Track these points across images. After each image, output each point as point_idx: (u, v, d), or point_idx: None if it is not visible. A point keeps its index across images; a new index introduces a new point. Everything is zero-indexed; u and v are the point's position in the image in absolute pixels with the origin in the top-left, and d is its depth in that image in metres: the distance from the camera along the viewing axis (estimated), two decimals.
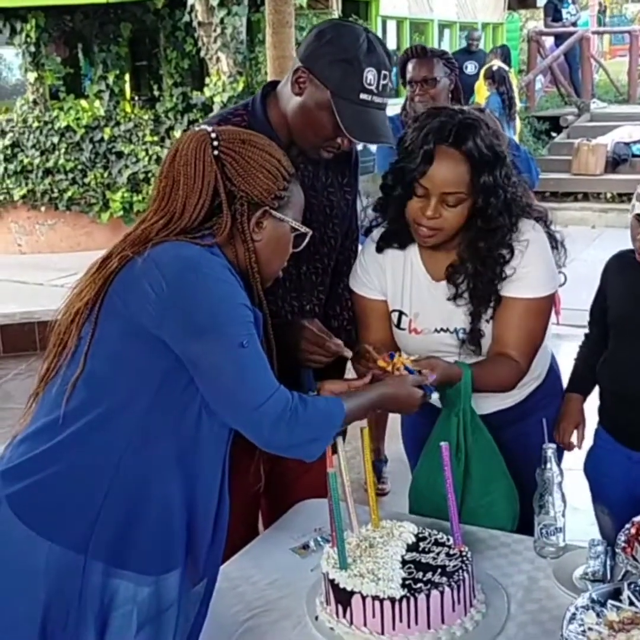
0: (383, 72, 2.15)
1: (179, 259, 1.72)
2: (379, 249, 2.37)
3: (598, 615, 1.71)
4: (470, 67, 11.30)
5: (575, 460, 2.62)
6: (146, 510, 1.72)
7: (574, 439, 2.58)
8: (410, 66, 3.80)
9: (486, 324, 2.27)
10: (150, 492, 1.73)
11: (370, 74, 2.12)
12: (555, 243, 2.35)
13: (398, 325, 2.37)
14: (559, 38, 14.13)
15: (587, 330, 2.68)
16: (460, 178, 2.16)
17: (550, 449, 2.14)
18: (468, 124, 2.18)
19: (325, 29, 2.20)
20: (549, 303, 2.31)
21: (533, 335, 2.30)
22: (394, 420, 3.15)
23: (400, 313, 2.36)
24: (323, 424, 1.82)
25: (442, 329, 2.32)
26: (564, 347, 4.73)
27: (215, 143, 1.79)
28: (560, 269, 2.37)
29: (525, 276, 2.24)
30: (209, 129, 1.83)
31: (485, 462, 2.28)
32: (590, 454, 2.57)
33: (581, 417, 2.58)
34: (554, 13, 14.24)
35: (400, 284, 2.35)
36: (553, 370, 2.51)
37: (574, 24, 14.40)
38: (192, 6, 9.37)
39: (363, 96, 2.13)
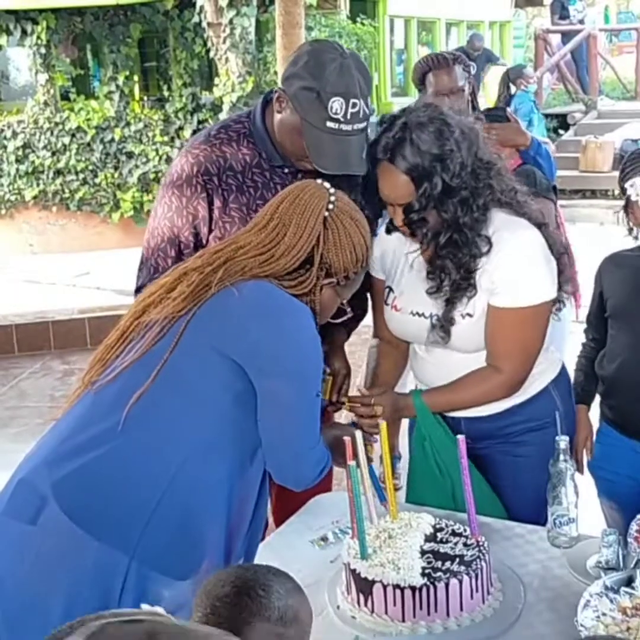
0: (352, 100, 2.17)
1: (278, 302, 1.85)
2: (388, 231, 2.39)
3: (611, 601, 1.76)
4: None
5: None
6: (193, 522, 1.80)
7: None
8: (432, 78, 3.63)
9: (461, 318, 2.26)
10: (198, 505, 1.80)
11: (335, 103, 2.16)
12: (552, 248, 2.28)
13: (386, 301, 2.41)
14: (566, 35, 14.14)
15: (584, 339, 2.69)
16: (405, 191, 2.18)
17: (563, 442, 2.18)
18: (399, 138, 2.15)
19: (302, 53, 2.25)
20: (543, 311, 2.26)
21: (525, 344, 2.27)
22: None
23: (390, 289, 2.40)
24: (326, 466, 2.00)
25: (417, 313, 2.33)
26: (577, 343, 4.76)
27: (331, 206, 1.92)
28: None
29: (510, 285, 2.21)
30: (331, 190, 1.95)
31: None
32: (594, 450, 2.59)
33: (589, 429, 2.60)
34: (561, 11, 14.25)
35: (397, 262, 2.39)
36: (563, 367, 2.50)
37: (581, 22, 14.40)
38: (201, 7, 9.40)
39: (330, 124, 2.17)
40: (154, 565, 1.76)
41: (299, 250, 1.89)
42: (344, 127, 2.18)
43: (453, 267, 2.23)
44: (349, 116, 2.17)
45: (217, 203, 2.34)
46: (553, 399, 2.40)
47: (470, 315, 2.26)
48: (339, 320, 2.06)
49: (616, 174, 9.75)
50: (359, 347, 3.93)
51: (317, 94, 2.17)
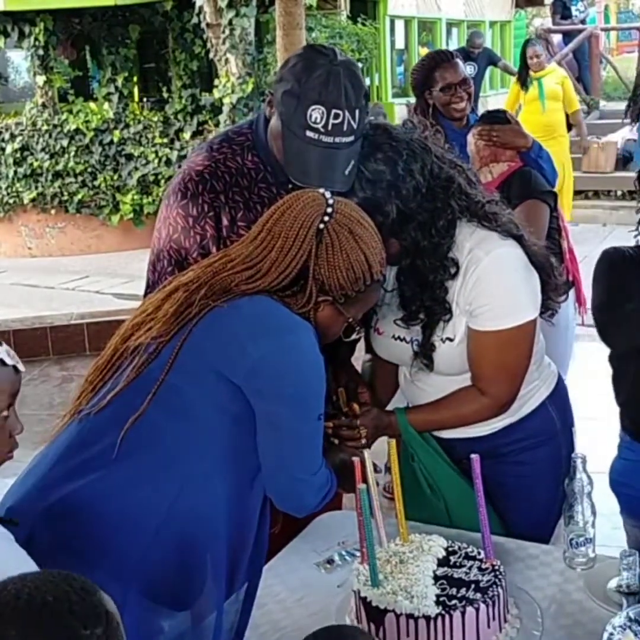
0: (334, 111, 2.03)
1: (277, 319, 1.75)
2: None
3: (636, 634, 1.67)
4: (468, 69, 10.44)
5: (596, 463, 2.56)
6: (192, 550, 1.71)
7: None
8: (441, 73, 3.80)
9: (441, 342, 2.17)
10: (197, 532, 1.72)
11: (315, 112, 2.03)
12: (532, 259, 2.18)
13: (370, 323, 2.31)
14: (568, 35, 14.07)
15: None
16: None
17: (579, 459, 2.11)
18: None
19: (295, 55, 2.14)
20: (526, 330, 2.15)
21: (510, 366, 2.18)
22: None
23: (373, 310, 2.26)
24: (330, 492, 1.91)
25: (399, 337, 2.25)
26: (581, 348, 4.68)
27: (326, 218, 1.79)
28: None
29: (489, 307, 2.11)
30: (330, 200, 1.82)
31: (464, 500, 2.19)
32: (616, 466, 2.48)
33: None
34: (562, 10, 14.17)
35: (388, 281, 2.25)
36: (559, 381, 2.41)
37: (583, 21, 14.34)
38: (201, 8, 9.34)
39: (309, 134, 2.05)
40: (152, 596, 1.69)
41: (286, 266, 1.78)
42: (324, 138, 2.05)
43: (421, 293, 2.14)
44: (330, 127, 2.04)
45: (224, 221, 2.23)
46: (551, 415, 2.32)
47: (450, 339, 2.16)
48: (350, 339, 1.96)
49: (619, 174, 9.73)
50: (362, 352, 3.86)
51: (297, 100, 2.05)
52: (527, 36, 18.16)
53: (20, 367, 1.52)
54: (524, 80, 8.54)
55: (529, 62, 8.42)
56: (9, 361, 1.48)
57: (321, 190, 1.87)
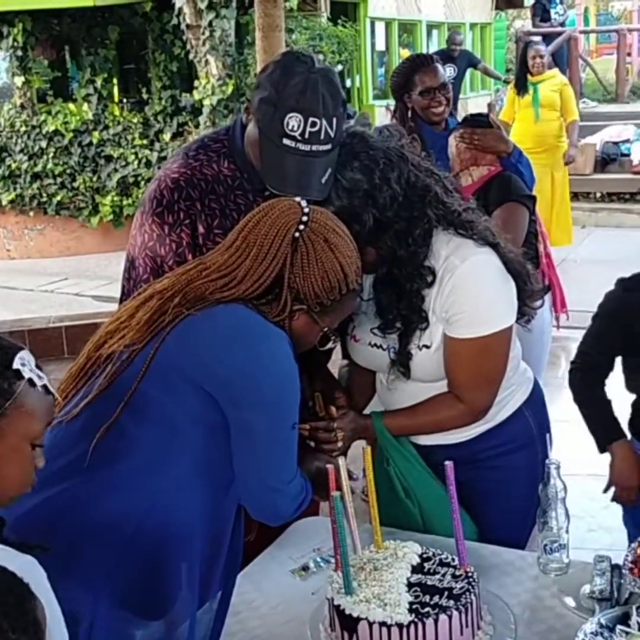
0: (311, 119, 2.03)
1: (251, 328, 1.74)
2: None
3: None
4: (448, 71, 9.34)
5: (571, 464, 2.57)
6: (165, 560, 1.71)
7: None
8: (423, 77, 3.84)
9: (418, 350, 2.17)
10: (170, 542, 1.71)
11: (292, 120, 2.03)
12: (508, 266, 2.17)
13: (346, 330, 2.30)
14: (547, 38, 14.13)
15: (581, 372, 2.58)
16: None
17: (553, 465, 2.12)
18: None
19: (273, 62, 2.13)
20: (502, 337, 2.15)
21: (486, 373, 2.19)
22: None
23: (350, 318, 2.25)
24: (305, 501, 1.92)
25: (375, 345, 2.25)
26: (556, 352, 4.71)
27: (302, 227, 1.79)
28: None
29: (465, 315, 2.11)
30: (306, 209, 1.82)
31: (439, 505, 2.19)
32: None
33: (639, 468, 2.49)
34: (542, 13, 14.24)
35: (364, 289, 2.25)
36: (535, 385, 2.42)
37: (562, 24, 14.41)
38: (180, 9, 9.31)
39: (286, 141, 2.05)
40: (126, 605, 1.68)
41: (260, 275, 1.78)
42: (301, 146, 2.04)
43: (397, 302, 2.14)
44: (307, 135, 2.04)
45: (200, 229, 2.22)
46: (527, 420, 2.33)
47: (427, 346, 2.17)
48: (325, 348, 1.96)
49: (597, 176, 9.77)
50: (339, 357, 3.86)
51: (274, 108, 2.05)
52: (507, 38, 18.24)
53: (57, 396, 1.50)
54: (522, 85, 7.93)
55: (531, 63, 7.81)
56: (51, 389, 1.45)
57: (297, 198, 1.87)
